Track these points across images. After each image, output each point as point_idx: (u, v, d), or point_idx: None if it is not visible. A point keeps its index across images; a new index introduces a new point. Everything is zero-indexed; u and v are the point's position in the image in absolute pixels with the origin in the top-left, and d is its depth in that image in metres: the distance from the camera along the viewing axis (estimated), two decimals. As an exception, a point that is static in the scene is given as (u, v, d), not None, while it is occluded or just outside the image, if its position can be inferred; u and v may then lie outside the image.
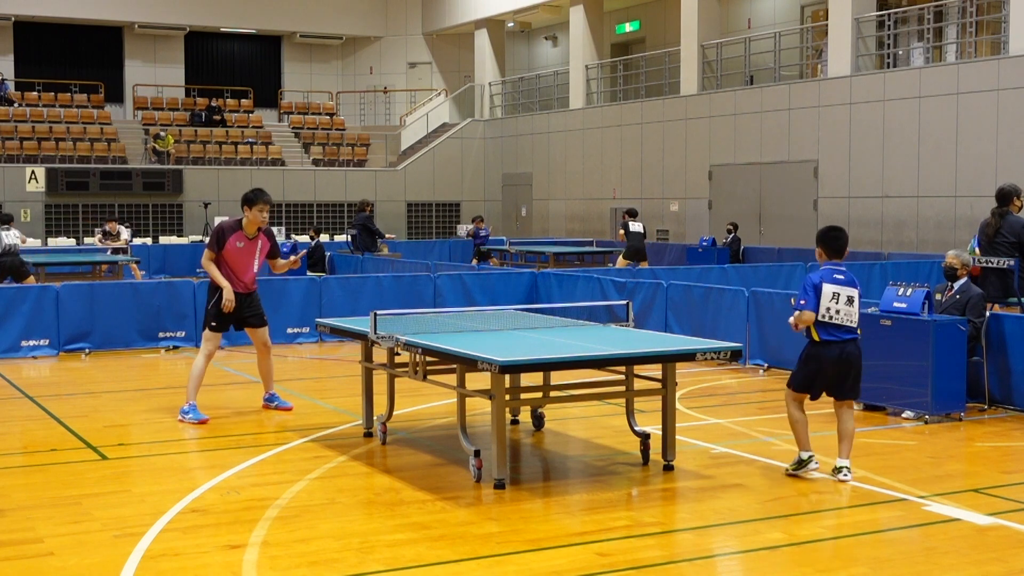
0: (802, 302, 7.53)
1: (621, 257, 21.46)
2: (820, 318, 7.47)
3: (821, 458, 7.81)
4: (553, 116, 32.48)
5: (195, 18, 36.40)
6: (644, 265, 20.46)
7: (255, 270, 10.09)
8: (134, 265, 20.96)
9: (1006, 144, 20.00)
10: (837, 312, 7.47)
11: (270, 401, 10.39)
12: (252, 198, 9.95)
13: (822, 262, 7.72)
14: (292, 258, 10.26)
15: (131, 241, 25.72)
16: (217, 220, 30.58)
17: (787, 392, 7.79)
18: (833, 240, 7.70)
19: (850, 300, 7.51)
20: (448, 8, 37.30)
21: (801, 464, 7.66)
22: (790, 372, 7.95)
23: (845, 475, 7.59)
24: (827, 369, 7.57)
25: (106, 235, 23.79)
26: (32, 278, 17.57)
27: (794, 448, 7.79)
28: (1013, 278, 11.05)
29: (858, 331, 7.63)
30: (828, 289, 7.47)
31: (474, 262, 23.83)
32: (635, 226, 21.50)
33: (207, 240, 10.10)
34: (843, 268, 7.63)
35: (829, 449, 8.34)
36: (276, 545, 6.22)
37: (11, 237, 17.77)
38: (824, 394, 7.78)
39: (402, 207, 34.36)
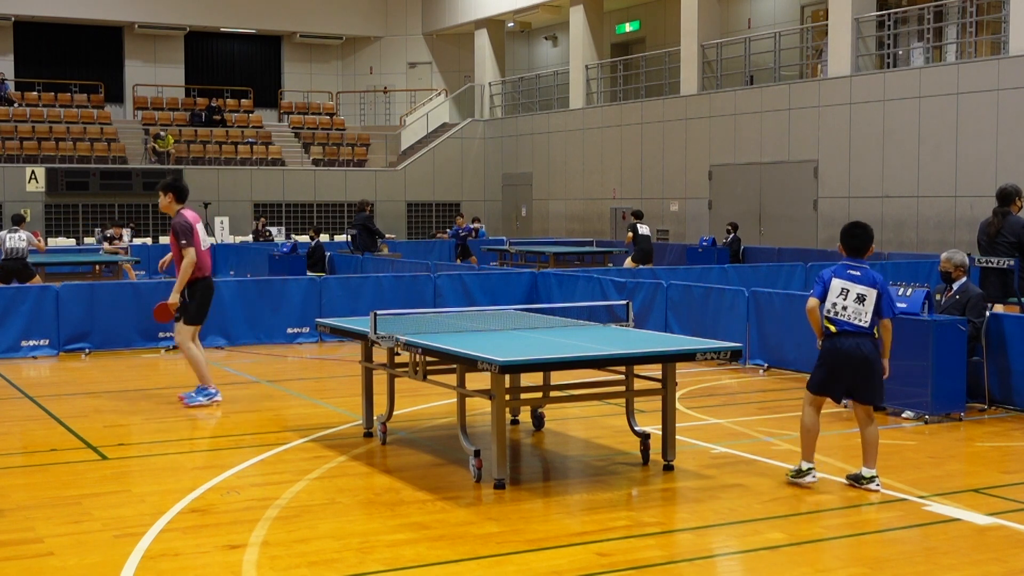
0: (811, 292, 7.47)
1: (630, 260, 21.15)
2: (826, 313, 7.28)
3: (839, 465, 7.82)
4: (553, 116, 32.47)
5: (195, 18, 36.39)
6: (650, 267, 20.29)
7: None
8: (128, 266, 20.85)
9: (1006, 144, 20.00)
10: (844, 308, 7.20)
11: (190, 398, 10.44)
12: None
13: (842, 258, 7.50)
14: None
15: (131, 242, 25.74)
16: (217, 219, 30.92)
17: (805, 395, 7.50)
18: (850, 237, 7.42)
19: (861, 298, 7.18)
20: (448, 8, 37.29)
21: (799, 474, 7.36)
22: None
23: (877, 485, 7.24)
24: (843, 364, 7.22)
25: (110, 241, 23.70)
26: (38, 278, 17.34)
27: (794, 449, 7.78)
28: (1013, 278, 11.06)
29: (874, 332, 7.23)
30: (837, 284, 7.27)
31: (458, 260, 23.80)
32: (644, 229, 21.40)
33: (182, 240, 9.90)
34: (863, 266, 7.31)
35: (833, 450, 8.35)
36: (276, 545, 6.22)
37: (15, 240, 17.31)
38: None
39: (402, 207, 34.36)
